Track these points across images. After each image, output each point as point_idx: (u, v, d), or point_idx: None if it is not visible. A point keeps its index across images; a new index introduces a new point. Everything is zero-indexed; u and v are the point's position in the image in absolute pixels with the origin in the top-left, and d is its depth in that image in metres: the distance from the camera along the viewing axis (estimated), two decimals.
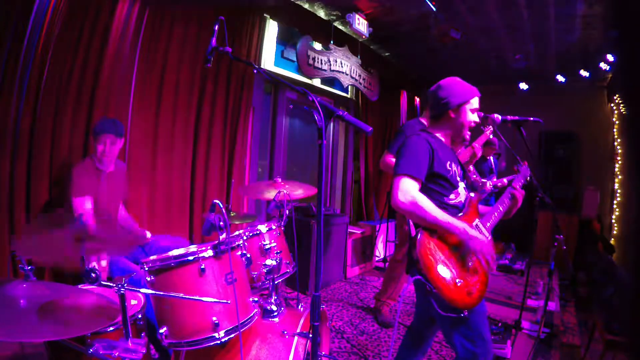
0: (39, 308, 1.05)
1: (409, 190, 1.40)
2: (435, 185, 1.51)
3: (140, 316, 1.48)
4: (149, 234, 2.34)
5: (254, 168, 3.71)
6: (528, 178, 1.80)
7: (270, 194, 2.17)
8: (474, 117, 1.59)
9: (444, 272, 1.37)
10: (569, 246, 4.89)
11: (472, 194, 1.59)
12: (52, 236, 1.22)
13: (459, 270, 1.41)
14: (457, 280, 1.38)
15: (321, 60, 4.12)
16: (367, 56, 4.85)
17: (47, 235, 1.22)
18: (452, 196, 1.54)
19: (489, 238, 1.53)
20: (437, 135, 1.61)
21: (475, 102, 1.59)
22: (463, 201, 1.57)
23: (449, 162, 1.54)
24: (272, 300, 1.82)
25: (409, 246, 1.48)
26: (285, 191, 2.08)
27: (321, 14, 4.02)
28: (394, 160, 2.61)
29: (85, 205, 2.03)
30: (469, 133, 1.60)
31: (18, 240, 1.61)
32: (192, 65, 2.99)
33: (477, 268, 1.47)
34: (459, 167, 1.62)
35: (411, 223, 1.50)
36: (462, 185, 1.60)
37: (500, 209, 1.62)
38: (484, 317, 1.50)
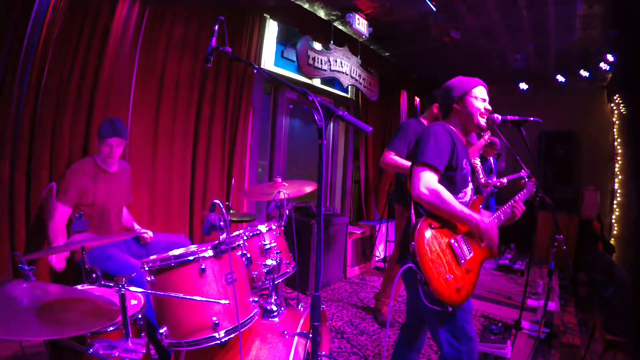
0: (38, 308, 1.05)
1: (431, 181, 1.42)
2: (449, 180, 1.52)
3: (140, 316, 1.48)
4: (150, 233, 2.32)
5: (254, 168, 3.71)
6: (533, 194, 1.88)
7: (273, 196, 2.16)
8: (481, 104, 1.59)
9: (437, 264, 1.39)
10: (569, 246, 4.88)
11: (474, 197, 1.62)
12: None
13: (451, 266, 1.42)
14: (448, 275, 1.39)
15: (321, 60, 4.12)
16: (367, 56, 4.85)
17: None
18: (460, 194, 1.55)
19: None
20: (454, 129, 1.61)
21: (478, 92, 1.59)
22: (467, 201, 1.59)
23: (465, 160, 1.57)
24: (272, 300, 1.82)
25: (406, 235, 1.50)
26: (286, 191, 2.08)
27: (321, 14, 4.02)
28: (395, 158, 2.62)
29: (65, 214, 2.03)
30: (483, 121, 1.60)
31: None
32: (192, 65, 2.99)
33: (470, 268, 1.48)
34: (469, 167, 1.63)
35: (412, 212, 1.51)
36: (470, 185, 1.62)
37: (502, 217, 1.64)
38: (470, 315, 1.52)
